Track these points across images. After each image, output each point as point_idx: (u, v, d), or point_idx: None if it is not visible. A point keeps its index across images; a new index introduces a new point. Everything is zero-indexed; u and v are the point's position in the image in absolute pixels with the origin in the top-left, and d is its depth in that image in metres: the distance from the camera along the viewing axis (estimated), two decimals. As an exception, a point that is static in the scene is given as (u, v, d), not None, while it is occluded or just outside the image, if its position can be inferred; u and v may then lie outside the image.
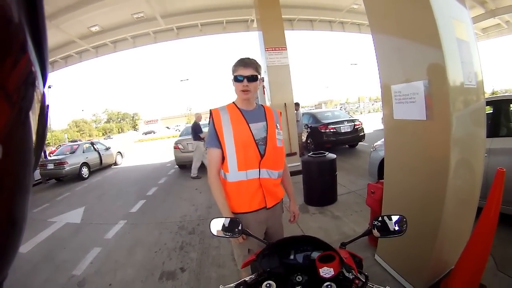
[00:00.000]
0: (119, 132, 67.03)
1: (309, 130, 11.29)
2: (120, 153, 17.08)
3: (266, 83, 8.74)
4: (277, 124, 2.20)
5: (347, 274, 1.23)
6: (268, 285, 1.23)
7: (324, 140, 10.45)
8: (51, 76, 29.56)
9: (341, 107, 48.22)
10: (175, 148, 11.01)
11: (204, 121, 9.77)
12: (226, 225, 1.73)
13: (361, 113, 42.55)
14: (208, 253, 4.26)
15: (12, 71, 0.31)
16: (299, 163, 8.07)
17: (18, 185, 0.34)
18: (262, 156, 2.03)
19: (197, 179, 9.48)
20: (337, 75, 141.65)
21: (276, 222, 2.31)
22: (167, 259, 4.25)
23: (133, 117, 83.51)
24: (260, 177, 2.04)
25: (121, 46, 14.58)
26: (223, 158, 2.05)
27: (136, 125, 78.93)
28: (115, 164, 16.02)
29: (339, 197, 5.62)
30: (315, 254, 1.39)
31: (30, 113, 0.35)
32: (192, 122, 9.98)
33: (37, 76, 0.36)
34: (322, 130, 10.54)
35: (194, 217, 5.88)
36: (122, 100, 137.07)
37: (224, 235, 1.71)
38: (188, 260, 4.13)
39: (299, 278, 1.29)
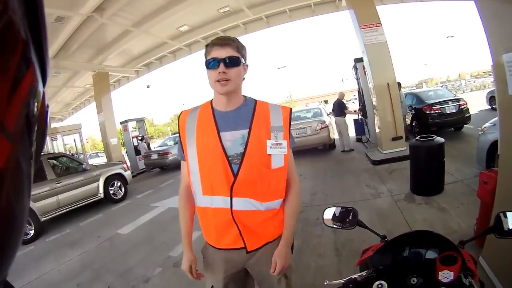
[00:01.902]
0: None
1: (413, 111, 10.43)
2: None
3: (366, 63, 8.44)
4: (278, 133, 1.54)
5: (464, 280, 1.06)
6: (379, 285, 1.11)
7: (429, 123, 9.56)
8: (149, 76, 31.79)
9: (441, 86, 44.07)
10: None
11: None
12: (337, 214, 1.60)
13: (464, 92, 38.22)
14: (309, 241, 4.16)
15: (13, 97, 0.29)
16: (405, 148, 7.64)
17: (18, 186, 0.33)
18: (235, 178, 1.47)
19: (350, 151, 10.01)
20: (434, 51, 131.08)
21: (267, 274, 1.57)
22: None
23: None
24: (234, 208, 1.48)
25: (213, 41, 14.94)
26: None
27: None
28: None
29: (445, 187, 5.04)
30: (431, 253, 1.21)
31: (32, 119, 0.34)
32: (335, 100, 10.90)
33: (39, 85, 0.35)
34: (427, 112, 9.65)
35: (298, 204, 5.78)
36: None
37: (333, 225, 1.59)
38: None
39: (413, 280, 1.13)
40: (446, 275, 1.06)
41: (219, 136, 1.49)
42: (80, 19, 9.66)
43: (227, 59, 1.42)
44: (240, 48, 1.49)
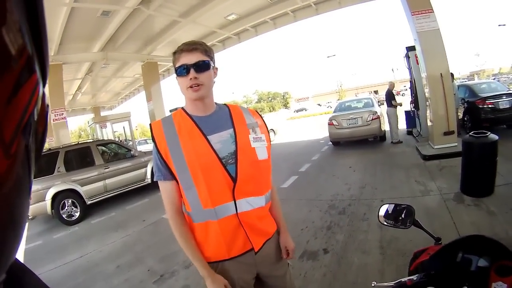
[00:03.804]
0: (270, 111, 68.83)
1: (465, 105, 9.77)
2: (273, 130, 17.20)
3: (419, 53, 8.01)
4: (255, 128, 1.56)
5: None
6: None
7: (481, 118, 8.92)
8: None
9: (493, 78, 41.29)
10: (329, 124, 10.82)
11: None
12: (390, 211, 1.49)
13: None
14: (355, 236, 4.05)
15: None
16: (456, 144, 7.21)
17: (18, 186, 0.31)
18: (234, 180, 1.42)
19: (399, 144, 9.81)
20: (486, 40, 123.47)
21: (274, 268, 1.64)
22: (312, 238, 4.20)
23: (283, 96, 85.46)
24: (238, 211, 1.44)
25: (262, 30, 14.99)
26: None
27: (287, 103, 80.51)
28: None
29: (496, 188, 4.66)
30: (483, 262, 1.07)
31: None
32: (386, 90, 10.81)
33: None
34: (480, 106, 9.00)
35: (346, 197, 5.65)
36: (272, 80, 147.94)
37: (386, 223, 1.49)
38: (334, 241, 3.99)
39: None
40: (499, 287, 0.96)
41: (208, 140, 1.44)
42: (127, 12, 9.97)
43: (197, 64, 1.40)
44: (208, 51, 1.45)
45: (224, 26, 13.87)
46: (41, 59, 0.31)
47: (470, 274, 1.07)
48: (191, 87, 1.40)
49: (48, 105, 0.36)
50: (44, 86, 0.34)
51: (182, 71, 1.40)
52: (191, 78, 1.39)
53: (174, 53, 1.44)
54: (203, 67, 1.41)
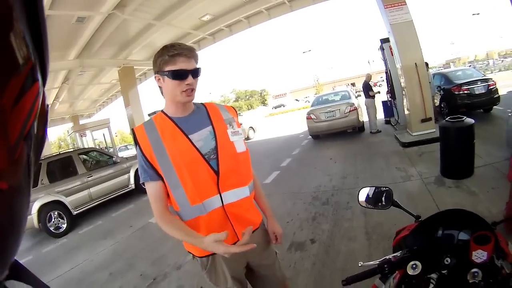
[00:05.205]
0: (248, 109, 68.96)
1: (442, 92, 10.10)
2: (252, 128, 17.50)
3: (393, 44, 8.20)
4: (232, 123, 1.64)
5: (496, 261, 1.03)
6: (414, 265, 1.11)
7: (458, 103, 9.25)
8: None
9: (469, 65, 42.42)
10: (307, 118, 10.98)
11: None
12: (370, 195, 1.56)
13: (492, 72, 36.33)
14: (340, 224, 4.17)
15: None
16: (434, 130, 7.43)
17: (18, 186, 0.32)
18: (217, 174, 1.50)
19: (378, 133, 10.03)
20: (461, 29, 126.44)
21: (263, 257, 1.74)
22: (298, 229, 4.29)
23: (261, 93, 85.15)
24: (224, 203, 1.52)
25: (237, 29, 15.00)
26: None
27: (265, 100, 79.86)
28: (248, 138, 16.41)
29: (475, 170, 4.87)
30: (464, 234, 1.17)
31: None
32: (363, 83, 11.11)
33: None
34: (455, 92, 9.33)
35: (328, 188, 5.77)
36: (249, 78, 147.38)
37: (367, 206, 1.57)
38: (320, 231, 4.09)
39: (447, 261, 1.10)
40: (479, 255, 1.03)
41: (189, 139, 1.51)
42: (102, 18, 9.82)
43: (194, 71, 1.47)
44: (197, 57, 1.52)
45: (199, 27, 13.81)
46: (42, 66, 0.33)
47: (452, 246, 1.15)
48: (185, 91, 1.46)
49: (48, 105, 0.38)
50: (44, 85, 0.35)
51: (180, 75, 1.44)
52: (188, 84, 1.45)
53: (170, 55, 1.44)
54: (198, 74, 1.49)
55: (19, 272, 0.45)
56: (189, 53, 1.45)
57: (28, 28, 0.30)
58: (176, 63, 1.43)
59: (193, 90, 1.48)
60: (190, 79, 1.45)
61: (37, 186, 6.89)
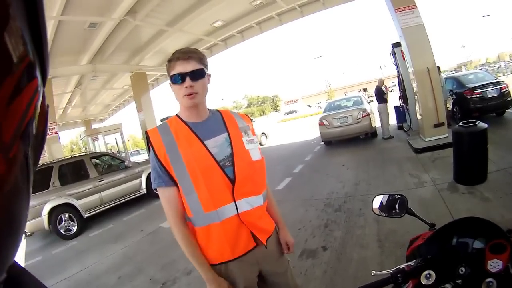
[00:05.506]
0: (260, 115, 68.57)
1: (454, 96, 9.97)
2: (264, 134, 17.38)
3: (404, 49, 8.13)
4: (247, 131, 1.62)
5: (511, 271, 1.00)
6: (428, 275, 1.08)
7: (470, 108, 9.12)
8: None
9: (481, 68, 41.83)
10: (320, 124, 10.91)
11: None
12: (384, 202, 1.52)
13: (504, 74, 35.57)
14: (352, 232, 4.10)
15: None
16: (447, 135, 7.33)
17: (17, 188, 0.32)
18: (233, 182, 1.46)
19: (390, 139, 9.93)
20: (471, 31, 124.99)
21: (276, 266, 1.69)
22: (310, 236, 4.23)
23: (273, 99, 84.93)
24: (239, 211, 1.48)
25: (248, 34, 15.02)
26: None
27: (277, 106, 79.73)
28: (260, 144, 16.27)
29: (489, 175, 4.75)
30: (479, 243, 1.12)
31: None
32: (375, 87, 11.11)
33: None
34: (468, 96, 9.22)
35: (341, 194, 5.70)
36: (261, 84, 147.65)
37: (381, 214, 1.52)
38: (332, 238, 4.03)
39: (462, 270, 1.06)
40: (495, 264, 1.00)
41: (205, 145, 1.48)
42: (114, 24, 9.97)
43: (192, 73, 1.43)
44: (202, 58, 1.48)
45: (211, 33, 13.87)
46: (42, 64, 0.33)
47: (466, 255, 1.11)
48: (187, 95, 1.43)
49: (48, 105, 0.38)
50: (44, 85, 0.35)
51: (177, 79, 1.43)
52: (186, 87, 1.42)
53: (169, 60, 1.46)
54: (198, 75, 1.44)
55: (19, 274, 0.44)
56: (185, 55, 1.43)
57: (27, 27, 0.30)
58: (175, 68, 1.43)
59: (194, 94, 1.44)
60: (188, 81, 1.42)
61: (48, 189, 6.99)
